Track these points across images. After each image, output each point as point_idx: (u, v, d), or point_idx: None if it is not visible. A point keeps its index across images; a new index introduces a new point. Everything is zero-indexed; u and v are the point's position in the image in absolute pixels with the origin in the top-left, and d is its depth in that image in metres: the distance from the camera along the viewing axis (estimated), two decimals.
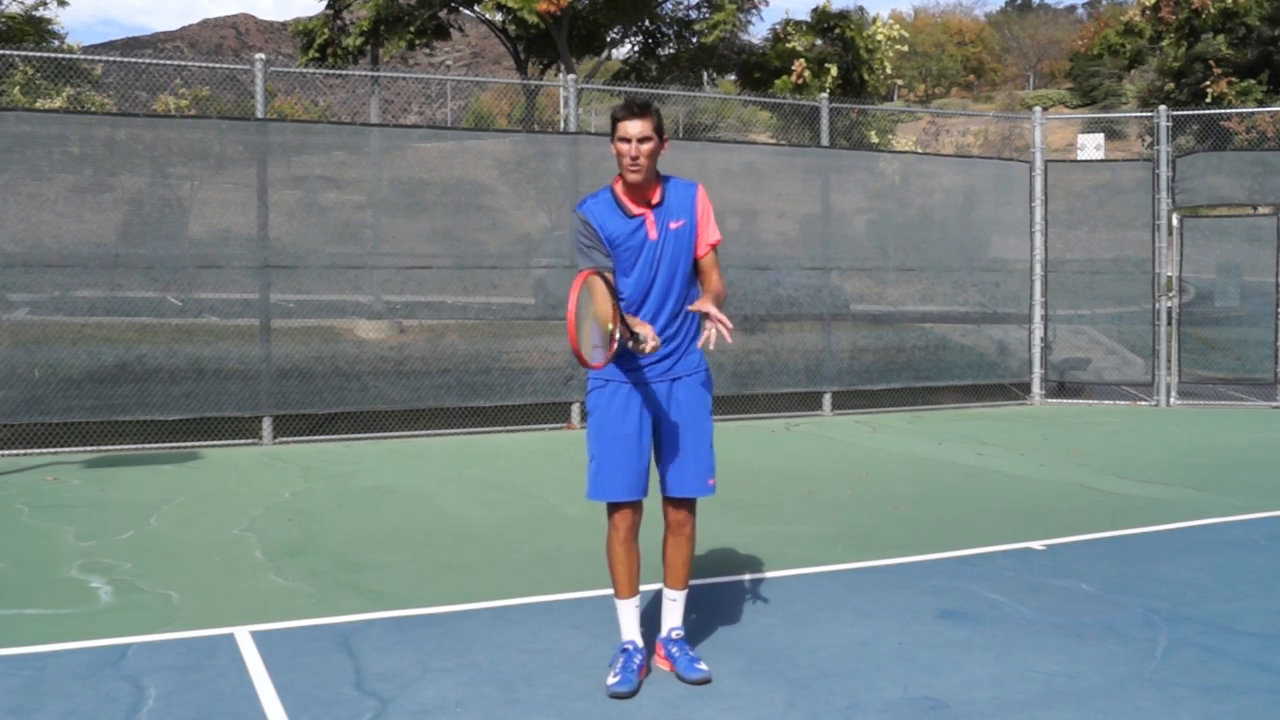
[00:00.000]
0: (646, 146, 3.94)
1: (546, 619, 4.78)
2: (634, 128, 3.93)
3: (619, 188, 4.06)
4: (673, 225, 4.04)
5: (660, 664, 4.21)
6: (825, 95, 12.75)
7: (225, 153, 10.03)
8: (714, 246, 4.14)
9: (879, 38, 19.44)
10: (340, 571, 5.62)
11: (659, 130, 3.98)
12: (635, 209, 4.03)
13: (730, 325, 3.82)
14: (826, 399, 12.04)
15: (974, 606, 5.01)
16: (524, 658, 4.32)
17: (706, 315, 3.84)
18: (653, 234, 4.02)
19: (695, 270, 4.14)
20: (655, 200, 4.04)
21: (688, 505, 4.15)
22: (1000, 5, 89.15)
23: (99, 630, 4.62)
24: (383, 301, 10.76)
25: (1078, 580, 5.44)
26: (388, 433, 10.22)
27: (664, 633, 4.21)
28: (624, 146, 3.94)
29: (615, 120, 3.97)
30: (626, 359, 4.03)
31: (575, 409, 10.84)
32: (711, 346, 3.86)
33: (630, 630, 4.13)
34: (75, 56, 15.06)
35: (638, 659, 4.05)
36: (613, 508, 4.08)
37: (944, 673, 4.17)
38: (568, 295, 3.67)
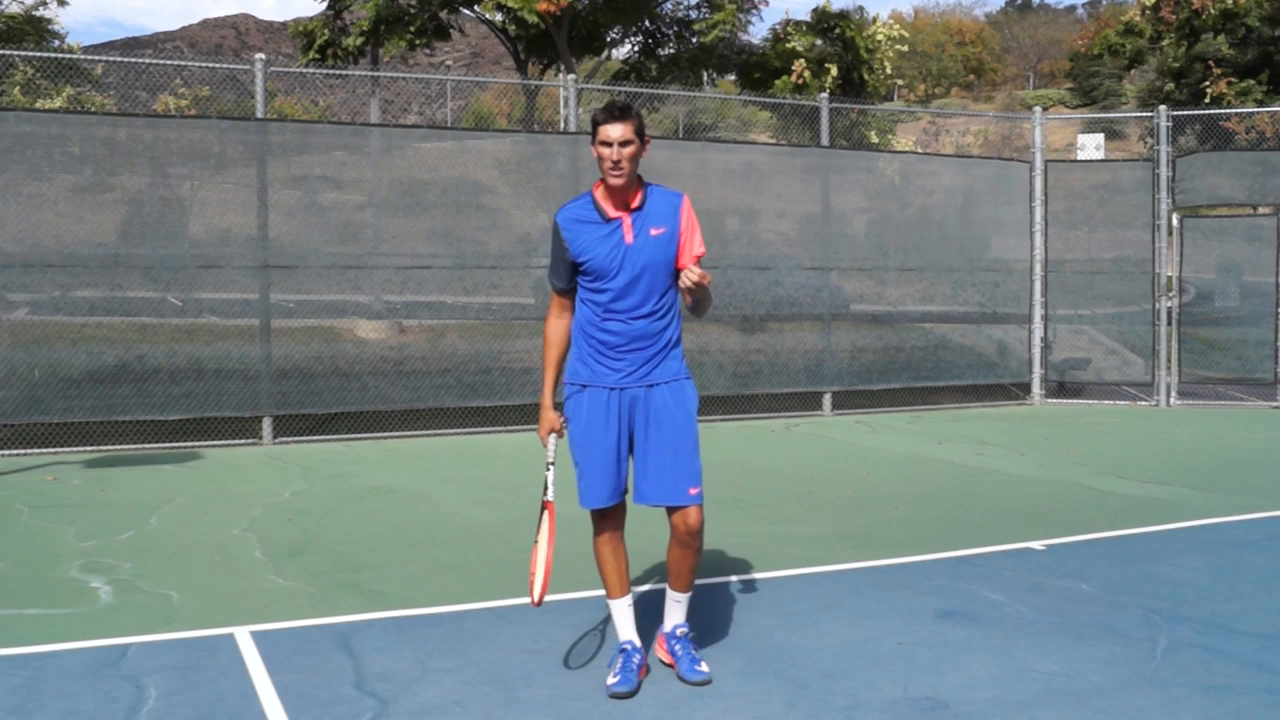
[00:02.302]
0: (628, 150, 3.90)
1: (546, 619, 4.77)
2: (615, 131, 3.89)
3: (599, 191, 4.04)
4: (653, 232, 3.99)
5: (660, 655, 4.21)
6: (825, 95, 12.75)
7: (225, 153, 10.03)
8: (697, 259, 4.06)
9: (879, 38, 19.45)
10: (340, 571, 5.62)
11: (640, 133, 3.95)
12: (613, 212, 4.00)
13: (699, 279, 3.88)
14: (826, 399, 12.04)
15: (974, 606, 5.01)
16: (524, 658, 4.32)
17: (691, 283, 3.90)
18: (629, 237, 3.98)
19: (676, 280, 4.06)
20: (635, 204, 4.01)
21: (690, 515, 4.02)
22: (1000, 5, 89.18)
23: (99, 630, 4.62)
24: (383, 301, 10.76)
25: (1078, 580, 5.44)
26: (388, 433, 10.22)
27: (668, 628, 4.20)
28: (605, 150, 3.91)
29: (596, 124, 3.93)
30: (600, 364, 4.04)
31: None
32: (682, 283, 3.96)
33: (627, 630, 4.13)
34: (75, 56, 15.06)
35: (636, 659, 4.05)
36: (595, 512, 4.10)
37: (944, 673, 4.17)
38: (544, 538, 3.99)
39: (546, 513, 4.02)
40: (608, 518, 4.10)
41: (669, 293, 4.06)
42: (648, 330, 4.03)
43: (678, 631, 4.16)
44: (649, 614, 4.56)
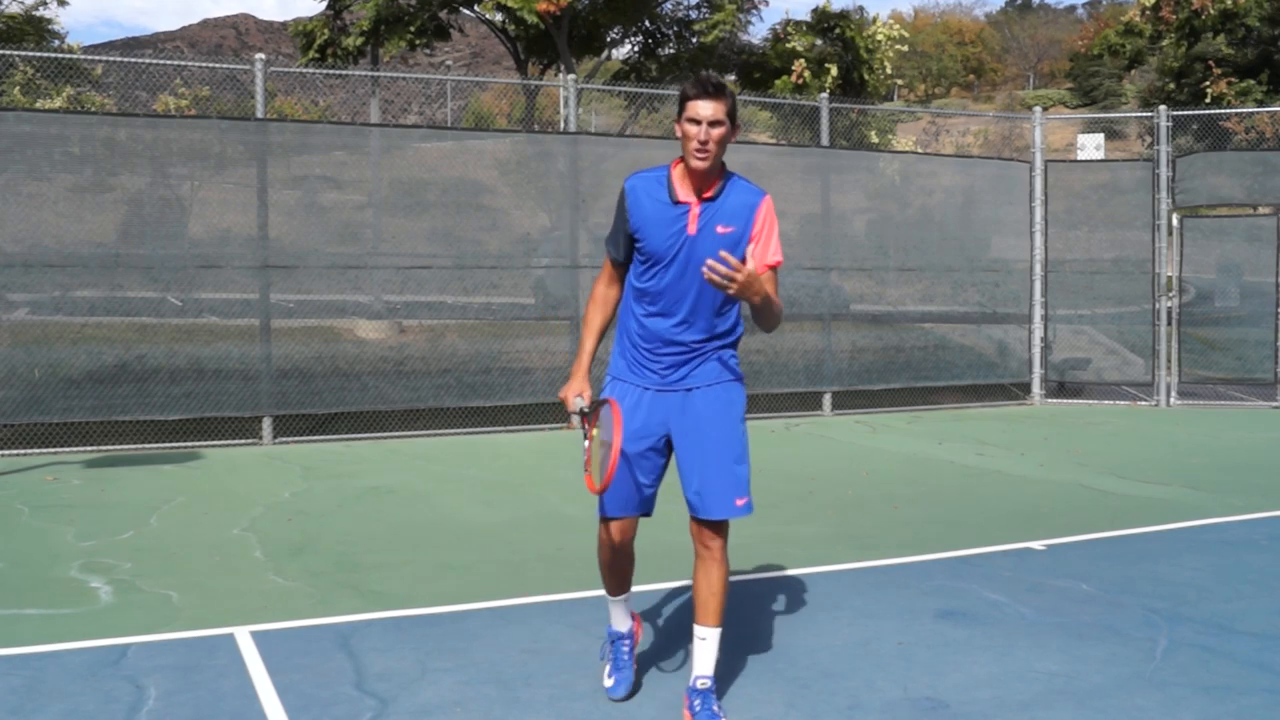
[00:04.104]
0: (717, 131, 3.53)
1: (546, 619, 4.78)
2: (706, 109, 3.52)
3: (676, 171, 3.67)
4: (720, 229, 3.60)
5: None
6: (825, 95, 12.75)
7: (225, 153, 10.03)
8: (772, 268, 3.65)
9: (879, 38, 19.46)
10: (340, 571, 5.62)
11: (733, 115, 3.57)
12: (683, 196, 3.62)
13: (727, 274, 3.35)
14: (826, 399, 12.04)
15: (974, 606, 5.01)
16: (524, 658, 4.32)
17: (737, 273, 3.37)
18: (691, 228, 3.60)
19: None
20: (709, 194, 3.62)
21: (715, 527, 3.68)
22: (1000, 5, 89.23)
23: (99, 630, 4.62)
24: (383, 301, 10.77)
25: (1078, 580, 5.44)
26: (388, 433, 10.22)
27: (690, 680, 3.72)
28: (693, 129, 3.52)
29: (685, 99, 3.56)
30: (637, 362, 3.76)
31: None
32: (711, 274, 3.39)
33: (620, 621, 4.03)
34: (75, 56, 15.05)
35: (626, 645, 3.99)
36: (603, 518, 3.83)
37: (944, 673, 4.16)
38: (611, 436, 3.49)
39: (609, 407, 3.57)
40: (614, 528, 3.81)
41: (725, 301, 3.66)
42: (690, 335, 3.68)
43: (698, 684, 3.67)
44: (651, 613, 4.56)
